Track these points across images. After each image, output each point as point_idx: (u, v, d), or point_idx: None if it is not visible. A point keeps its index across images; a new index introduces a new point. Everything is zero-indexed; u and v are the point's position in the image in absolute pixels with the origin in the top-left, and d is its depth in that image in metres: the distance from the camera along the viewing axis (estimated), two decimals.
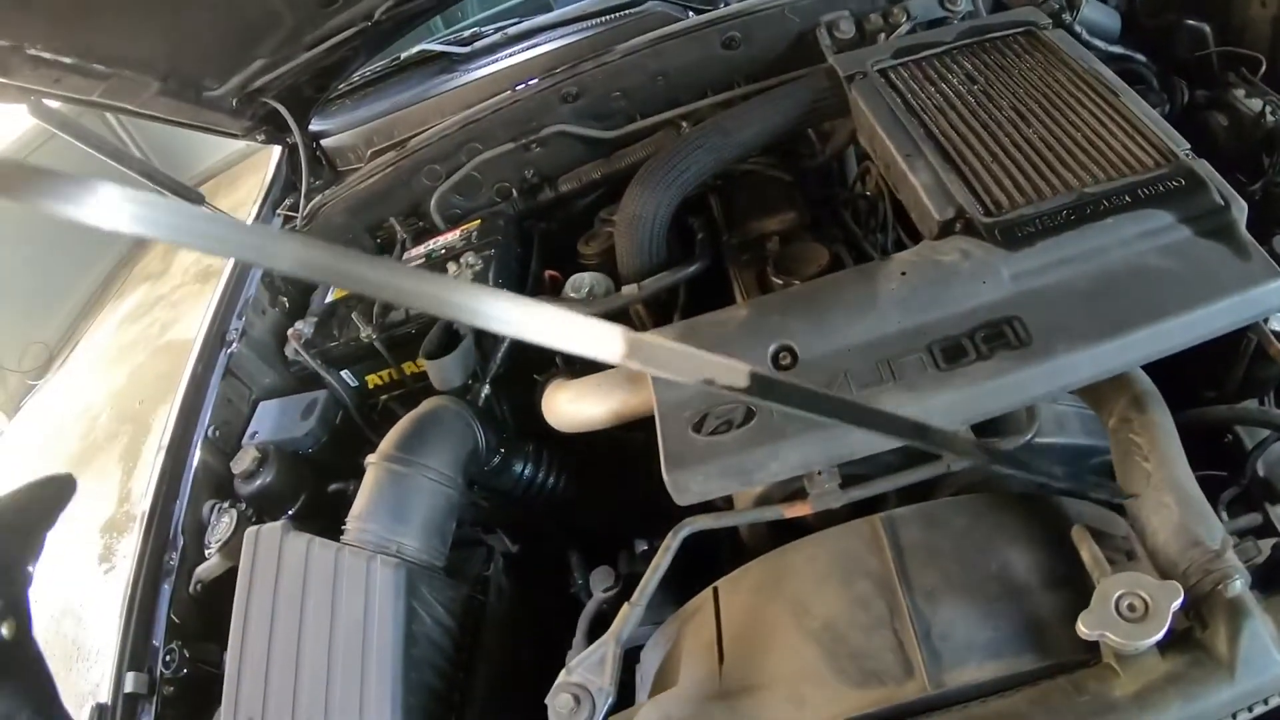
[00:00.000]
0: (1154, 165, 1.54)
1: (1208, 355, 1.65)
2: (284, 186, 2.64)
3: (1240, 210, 1.45)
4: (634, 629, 1.46)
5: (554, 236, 2.29)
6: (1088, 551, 1.27)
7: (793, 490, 1.51)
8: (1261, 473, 1.88)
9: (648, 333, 1.56)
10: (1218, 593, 1.17)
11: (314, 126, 2.68)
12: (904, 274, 1.46)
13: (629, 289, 1.89)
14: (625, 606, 1.47)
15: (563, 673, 1.42)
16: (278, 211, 2.59)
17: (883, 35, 2.11)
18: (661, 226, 1.87)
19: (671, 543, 1.52)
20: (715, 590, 1.56)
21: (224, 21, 2.03)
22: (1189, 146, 1.57)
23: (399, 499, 1.76)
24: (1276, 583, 1.26)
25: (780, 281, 1.76)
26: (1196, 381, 1.97)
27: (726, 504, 1.68)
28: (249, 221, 2.58)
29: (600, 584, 1.80)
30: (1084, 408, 1.60)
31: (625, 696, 1.52)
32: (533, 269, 2.18)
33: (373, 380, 2.27)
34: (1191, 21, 2.31)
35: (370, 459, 1.79)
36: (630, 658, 1.55)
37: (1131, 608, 1.14)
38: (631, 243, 1.89)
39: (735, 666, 1.42)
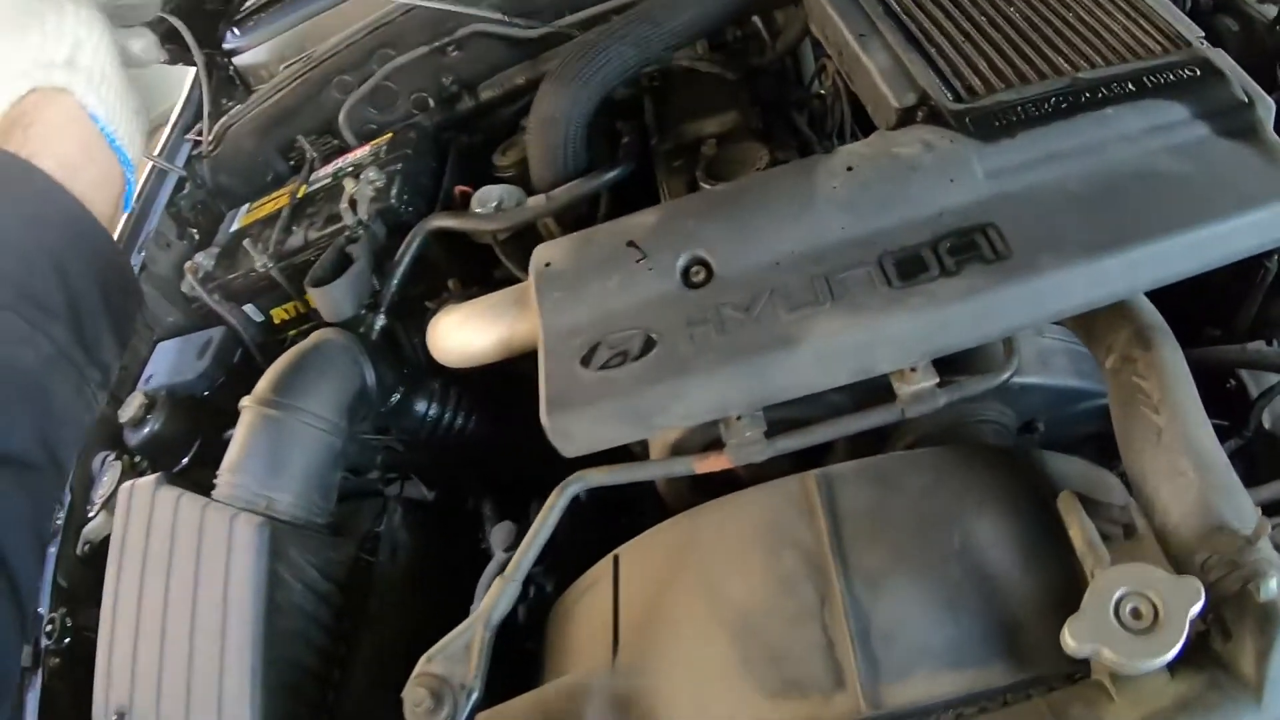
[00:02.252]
0: (1161, 52, 1.14)
1: (1214, 286, 1.36)
2: (196, 110, 2.22)
3: (1268, 109, 1.07)
4: (508, 608, 1.08)
5: (477, 150, 1.86)
6: (1079, 530, 0.91)
7: (713, 438, 1.11)
8: (1268, 424, 1.52)
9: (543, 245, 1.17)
10: (1247, 594, 0.80)
11: (228, 44, 2.27)
12: (850, 169, 1.06)
13: (536, 200, 1.49)
14: (497, 581, 1.09)
15: (421, 660, 1.05)
16: (186, 136, 2.17)
17: None
18: (577, 129, 1.46)
19: (556, 502, 1.14)
20: (616, 559, 1.19)
21: None
22: (1203, 34, 1.17)
23: (273, 447, 1.39)
24: None
25: (710, 187, 1.36)
26: (1200, 316, 1.57)
27: (643, 452, 1.30)
28: (157, 149, 2.18)
29: (500, 542, 1.42)
30: (1072, 341, 1.21)
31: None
32: (444, 185, 1.76)
33: (278, 315, 1.86)
34: None
35: (244, 402, 1.41)
36: None
37: (1136, 613, 0.78)
38: (543, 148, 1.48)
39: (631, 655, 1.06)
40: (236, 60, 2.28)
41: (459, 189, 1.65)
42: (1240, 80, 1.09)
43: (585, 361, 1.04)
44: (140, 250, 1.98)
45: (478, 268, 1.62)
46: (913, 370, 1.01)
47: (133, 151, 0.99)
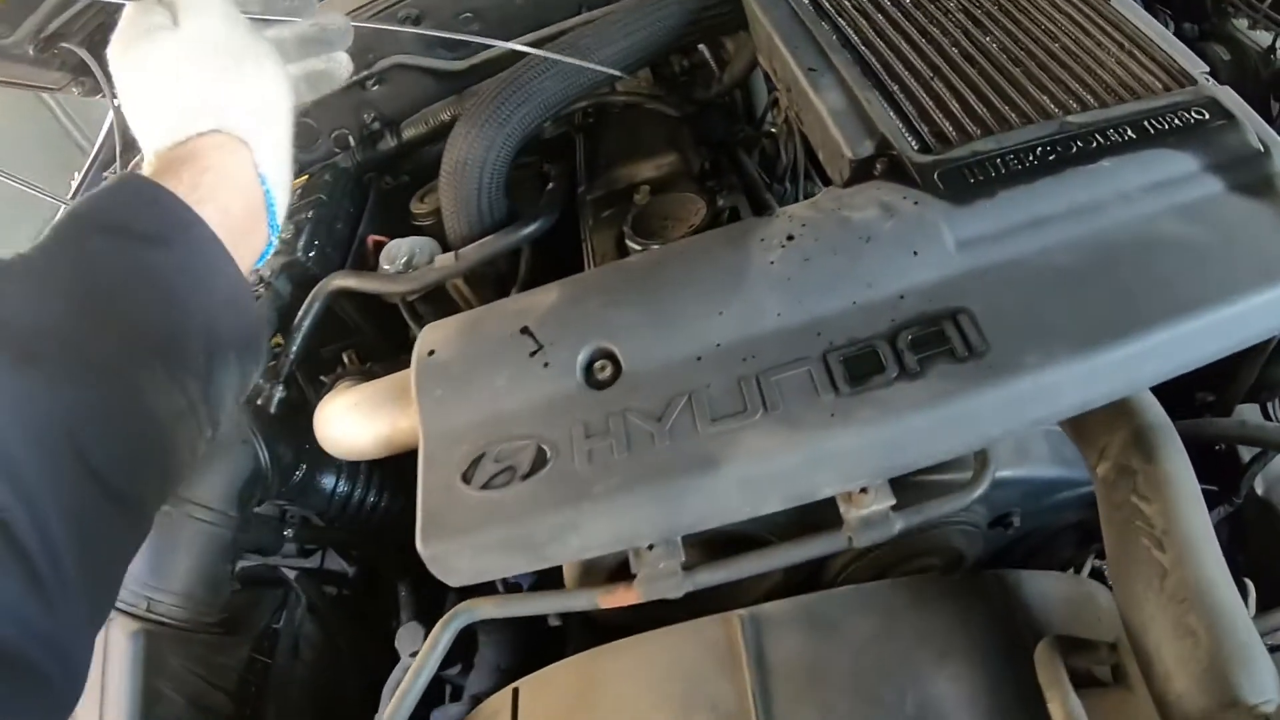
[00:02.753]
0: (1162, 90, 0.94)
1: None
2: (113, 148, 1.99)
3: None
4: None
5: (402, 192, 1.63)
6: (1059, 703, 0.71)
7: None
8: (1261, 491, 1.34)
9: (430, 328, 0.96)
10: None
11: None
12: (791, 239, 0.85)
13: (444, 258, 1.26)
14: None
15: None
16: (104, 174, 1.94)
17: None
18: (494, 175, 1.23)
19: (440, 637, 0.93)
20: (515, 692, 0.99)
21: None
22: (1207, 69, 0.97)
23: (154, 544, 1.19)
24: None
25: (638, 247, 1.13)
26: (1191, 379, 1.36)
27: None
28: (72, 189, 1.97)
29: (406, 646, 1.21)
30: None
31: None
32: (361, 231, 1.53)
33: None
34: None
35: None
36: None
37: None
38: (455, 198, 1.25)
39: None
40: None
41: (372, 239, 1.44)
42: (1254, 124, 0.90)
43: (467, 477, 0.82)
44: None
45: (398, 325, 1.39)
46: (863, 491, 0.80)
47: (280, 223, 0.89)
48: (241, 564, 1.37)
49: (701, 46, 1.46)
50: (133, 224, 0.74)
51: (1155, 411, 0.87)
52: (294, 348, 1.31)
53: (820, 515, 0.84)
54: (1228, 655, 0.69)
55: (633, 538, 0.81)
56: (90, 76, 1.84)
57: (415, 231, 1.43)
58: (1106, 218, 0.84)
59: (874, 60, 1.02)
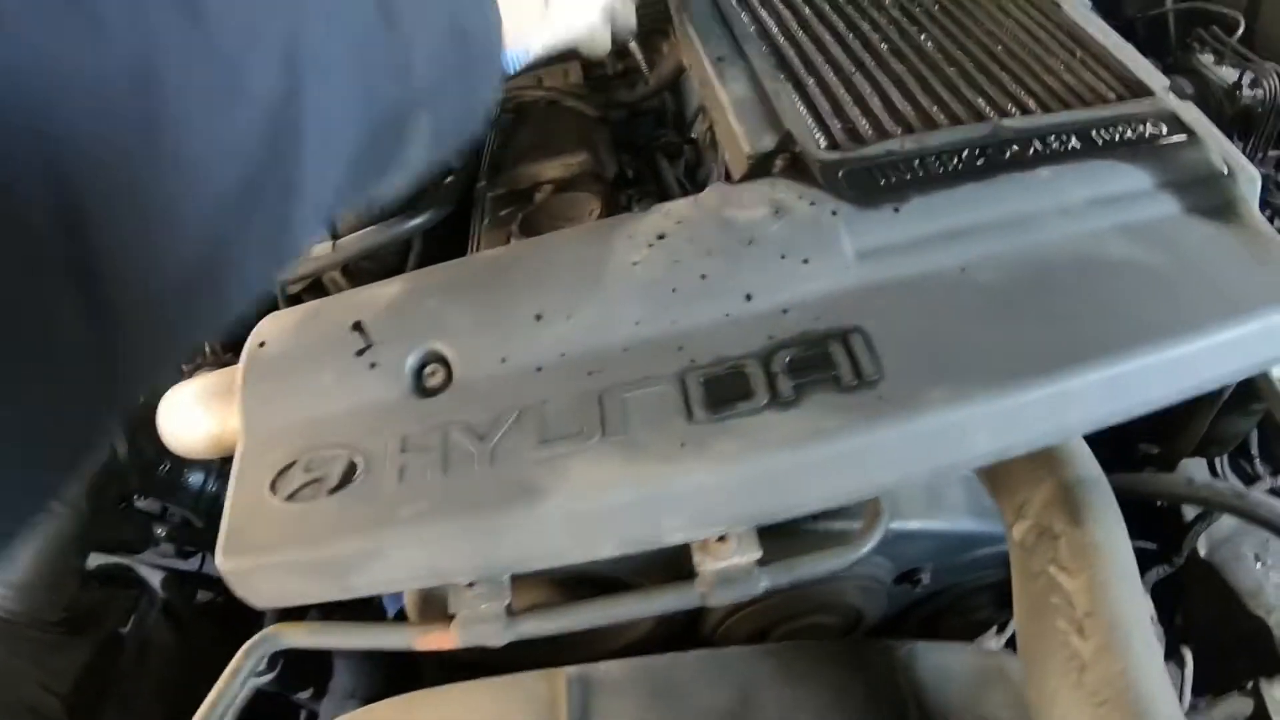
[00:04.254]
0: (1116, 100, 0.78)
1: None
2: None
3: (1250, 181, 0.72)
4: None
5: None
6: None
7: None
8: (1204, 552, 1.17)
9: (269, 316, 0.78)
10: None
11: None
12: (662, 237, 0.67)
13: (322, 248, 1.08)
14: None
15: None
16: None
17: None
18: None
19: (242, 666, 0.75)
20: None
21: None
22: (1168, 84, 0.81)
23: None
24: None
25: None
26: (1135, 429, 1.20)
27: None
28: None
29: (250, 660, 1.03)
30: None
31: None
32: None
33: None
34: None
35: None
36: None
37: None
38: None
39: None
40: None
41: None
42: (1217, 143, 0.74)
43: (275, 486, 0.65)
44: None
45: None
46: (721, 540, 0.63)
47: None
48: (99, 562, 1.22)
49: (634, 47, 1.29)
50: None
51: (1087, 465, 0.71)
52: None
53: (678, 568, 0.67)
54: None
55: (445, 573, 0.63)
56: None
57: None
58: (1041, 233, 0.68)
59: (791, 51, 0.85)
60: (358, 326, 0.70)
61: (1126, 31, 1.50)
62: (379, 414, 0.66)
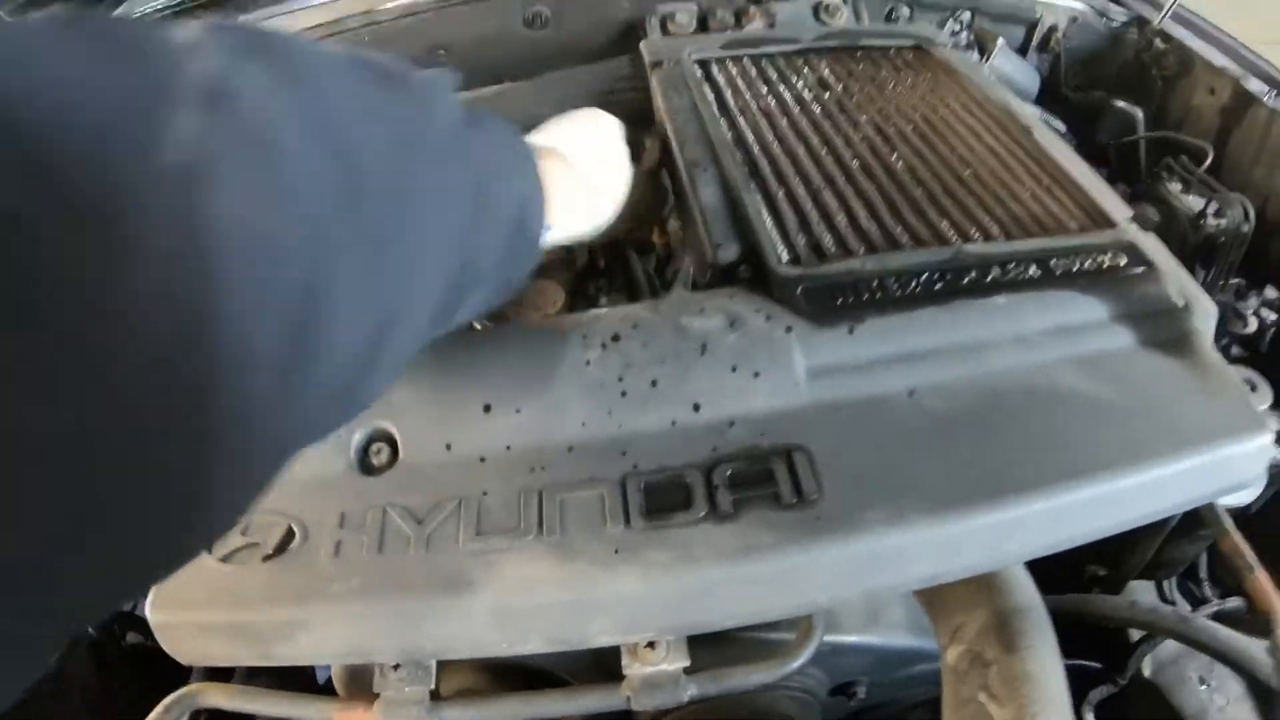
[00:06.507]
0: (1078, 230, 0.80)
1: None
2: None
3: (1207, 316, 0.74)
4: None
5: None
6: None
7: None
8: (1148, 673, 1.16)
9: None
10: None
11: None
12: (616, 339, 0.68)
13: None
14: None
15: None
16: None
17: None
18: None
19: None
20: None
21: None
22: (1131, 214, 0.84)
23: None
24: None
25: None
26: (1083, 554, 1.21)
27: None
28: None
29: (168, 716, 1.01)
30: None
31: None
32: None
33: None
34: (1122, 104, 1.61)
35: None
36: None
37: None
38: None
39: None
40: None
41: None
42: (1176, 277, 0.76)
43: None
44: None
45: None
46: (649, 646, 0.63)
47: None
48: None
49: None
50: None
51: (1024, 593, 0.71)
52: None
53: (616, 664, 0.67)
54: None
55: (370, 653, 0.63)
56: None
57: None
58: (993, 361, 0.69)
59: (764, 162, 0.87)
60: None
61: (1100, 157, 1.57)
62: (322, 486, 0.66)
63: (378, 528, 0.62)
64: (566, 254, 1.15)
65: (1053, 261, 0.76)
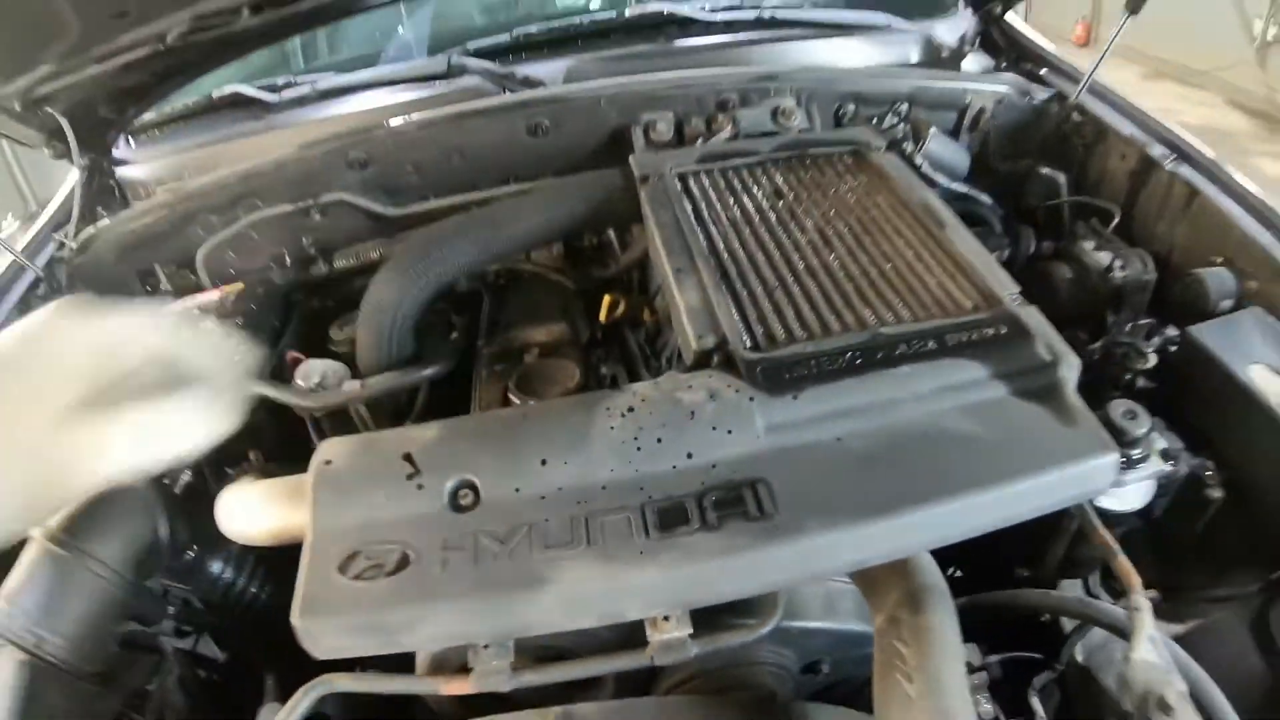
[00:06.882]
0: (971, 309, 1.15)
1: (1024, 530, 1.29)
2: (69, 211, 2.11)
3: (1070, 368, 1.08)
4: None
5: (325, 315, 1.81)
6: None
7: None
8: (1081, 659, 1.48)
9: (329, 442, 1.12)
10: None
11: (117, 153, 2.24)
12: (631, 410, 1.04)
13: (351, 385, 1.47)
14: None
15: None
16: (54, 235, 2.05)
17: (701, 141, 1.71)
18: (405, 319, 1.47)
19: (300, 703, 1.08)
20: None
21: (5, 17, 1.62)
22: (1018, 290, 1.19)
23: (53, 587, 1.30)
24: None
25: (518, 401, 1.36)
26: (1010, 556, 1.56)
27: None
28: (23, 243, 2.06)
29: (307, 698, 1.33)
30: None
31: None
32: (281, 345, 1.71)
33: None
34: (1046, 170, 1.98)
35: (34, 531, 1.32)
36: None
37: None
38: (370, 333, 1.48)
39: None
40: (121, 171, 2.22)
41: (290, 354, 1.61)
42: (1045, 338, 1.09)
43: (343, 568, 0.98)
44: None
45: (301, 433, 1.57)
46: (665, 619, 0.99)
47: None
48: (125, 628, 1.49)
49: (610, 233, 1.69)
50: None
51: (930, 574, 1.06)
52: None
53: (640, 638, 1.02)
54: None
55: (471, 635, 0.97)
56: (64, 142, 1.99)
57: (330, 355, 1.63)
58: (898, 414, 1.04)
59: (732, 268, 1.24)
60: (408, 458, 1.05)
61: (1030, 217, 1.93)
62: (423, 522, 1.00)
63: (472, 548, 0.96)
64: (572, 333, 1.52)
65: (947, 336, 1.10)
